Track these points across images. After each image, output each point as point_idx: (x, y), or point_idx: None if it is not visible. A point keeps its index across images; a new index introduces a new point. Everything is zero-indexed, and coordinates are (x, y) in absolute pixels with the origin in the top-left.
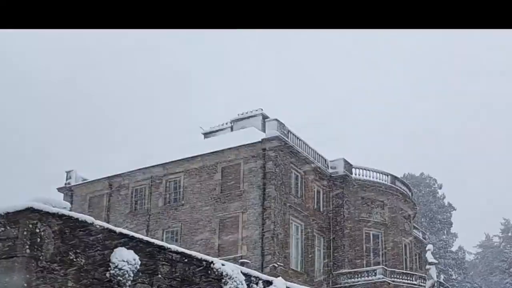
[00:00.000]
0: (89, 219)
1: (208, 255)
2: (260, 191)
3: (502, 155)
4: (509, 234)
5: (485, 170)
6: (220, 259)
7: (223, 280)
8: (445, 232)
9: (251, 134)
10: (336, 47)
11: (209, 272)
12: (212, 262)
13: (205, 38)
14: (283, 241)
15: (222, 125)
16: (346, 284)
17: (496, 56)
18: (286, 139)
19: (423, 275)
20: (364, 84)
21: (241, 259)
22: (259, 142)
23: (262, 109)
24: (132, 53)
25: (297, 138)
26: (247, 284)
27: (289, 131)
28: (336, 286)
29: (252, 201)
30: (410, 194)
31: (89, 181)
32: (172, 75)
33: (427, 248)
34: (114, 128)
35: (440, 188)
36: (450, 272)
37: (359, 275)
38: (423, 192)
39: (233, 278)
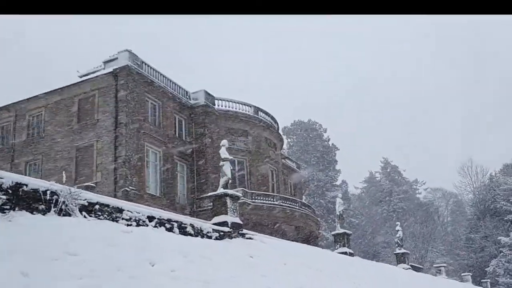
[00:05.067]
0: None
1: (66, 183)
2: (113, 119)
3: (388, 108)
4: (388, 170)
5: (365, 116)
6: (76, 186)
7: None
8: (331, 169)
9: None
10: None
11: None
12: None
13: None
14: (138, 167)
15: (97, 67)
16: (209, 207)
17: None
18: (139, 69)
19: (289, 197)
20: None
21: (96, 185)
22: (110, 72)
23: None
24: None
25: (154, 69)
26: None
27: (143, 62)
28: (199, 209)
29: (106, 129)
30: (275, 125)
31: None
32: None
33: (221, 144)
34: None
35: (325, 132)
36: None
37: None
38: (311, 135)
39: None
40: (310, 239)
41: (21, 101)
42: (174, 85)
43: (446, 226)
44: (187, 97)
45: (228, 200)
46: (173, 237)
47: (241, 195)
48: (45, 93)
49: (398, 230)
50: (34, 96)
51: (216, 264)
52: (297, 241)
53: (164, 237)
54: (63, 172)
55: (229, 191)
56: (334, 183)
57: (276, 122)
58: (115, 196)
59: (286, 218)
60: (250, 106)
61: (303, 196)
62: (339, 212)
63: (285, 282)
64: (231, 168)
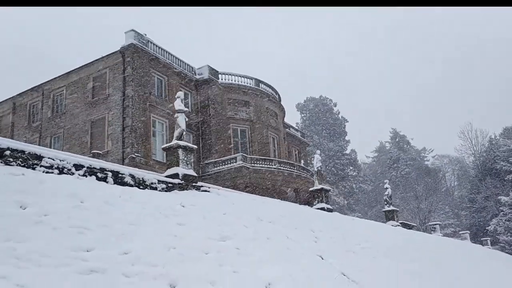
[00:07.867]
0: None
1: (82, 152)
2: (121, 94)
3: (386, 81)
4: (397, 140)
5: (374, 90)
6: (88, 155)
7: None
8: (341, 139)
9: None
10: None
11: None
12: None
13: None
14: (144, 136)
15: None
16: (212, 172)
17: None
18: (144, 47)
19: (287, 161)
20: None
21: (104, 153)
22: (118, 51)
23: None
24: None
25: (159, 47)
26: None
27: (149, 40)
28: (204, 174)
29: (115, 102)
30: (277, 96)
31: None
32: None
33: (176, 96)
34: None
35: (335, 106)
36: (346, 170)
37: (223, 163)
38: (322, 110)
39: None
40: (310, 201)
41: (47, 81)
42: (179, 61)
43: (453, 190)
44: (192, 72)
45: (181, 152)
46: (97, 185)
47: (195, 147)
48: (66, 73)
49: (386, 188)
50: (57, 77)
51: (122, 211)
52: (296, 203)
53: (75, 183)
54: None
55: (182, 143)
56: (344, 152)
57: (277, 93)
58: (122, 163)
59: (284, 180)
60: (252, 79)
61: (302, 161)
62: (317, 168)
63: (204, 230)
64: (186, 120)
